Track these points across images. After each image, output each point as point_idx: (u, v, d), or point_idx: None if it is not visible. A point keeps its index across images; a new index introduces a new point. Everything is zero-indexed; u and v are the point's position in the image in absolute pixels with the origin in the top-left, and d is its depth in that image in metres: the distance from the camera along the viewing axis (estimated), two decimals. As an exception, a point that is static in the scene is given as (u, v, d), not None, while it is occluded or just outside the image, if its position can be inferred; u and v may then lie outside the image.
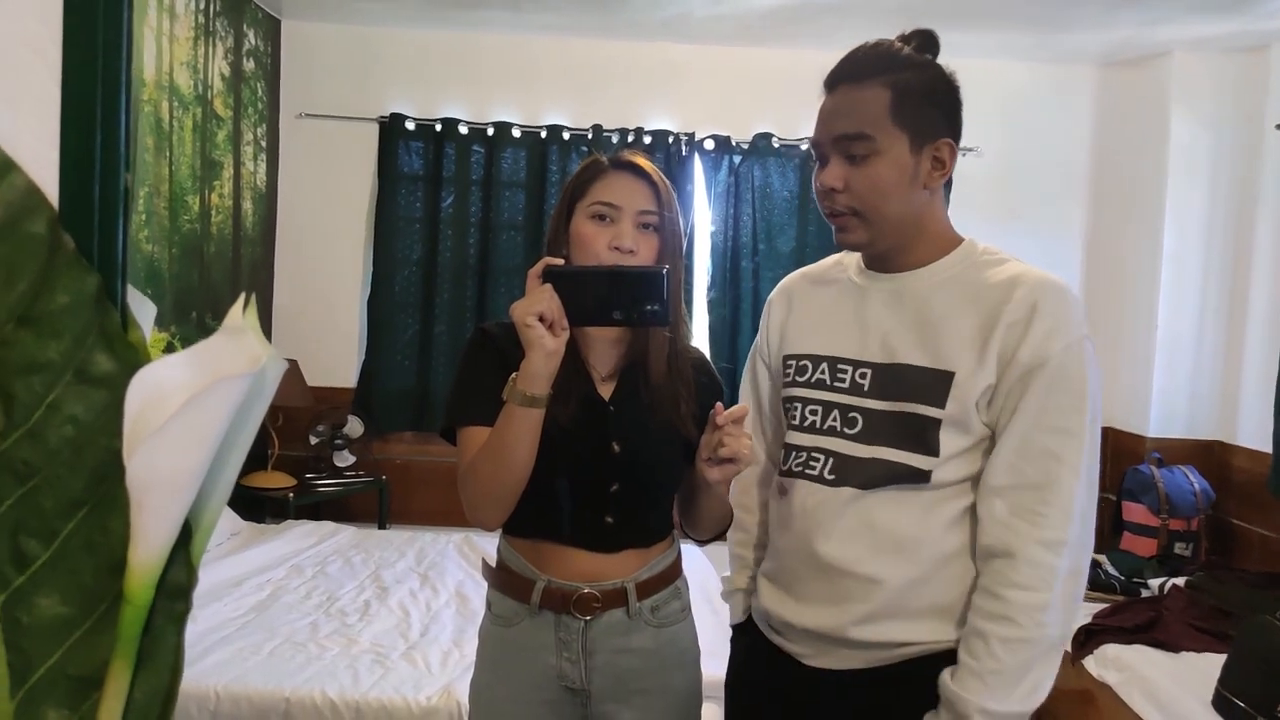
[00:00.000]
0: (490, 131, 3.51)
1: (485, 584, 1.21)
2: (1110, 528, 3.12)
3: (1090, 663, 2.32)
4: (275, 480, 3.22)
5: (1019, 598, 0.96)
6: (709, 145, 3.53)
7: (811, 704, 1.09)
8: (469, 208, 3.53)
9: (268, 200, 3.55)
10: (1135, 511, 3.05)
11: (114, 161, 0.41)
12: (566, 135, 3.50)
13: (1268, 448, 2.85)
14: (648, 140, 3.51)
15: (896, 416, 1.03)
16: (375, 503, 3.46)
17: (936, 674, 1.01)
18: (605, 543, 1.13)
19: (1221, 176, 3.30)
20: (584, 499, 1.13)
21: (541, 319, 0.99)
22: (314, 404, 3.33)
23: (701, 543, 1.26)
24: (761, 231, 3.53)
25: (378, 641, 2.11)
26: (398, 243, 3.52)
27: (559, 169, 3.49)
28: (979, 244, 1.09)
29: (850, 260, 1.15)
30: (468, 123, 3.52)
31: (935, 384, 1.01)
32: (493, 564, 1.20)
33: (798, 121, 3.53)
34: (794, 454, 1.10)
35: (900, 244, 1.06)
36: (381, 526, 3.41)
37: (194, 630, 2.07)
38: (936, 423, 1.01)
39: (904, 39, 1.06)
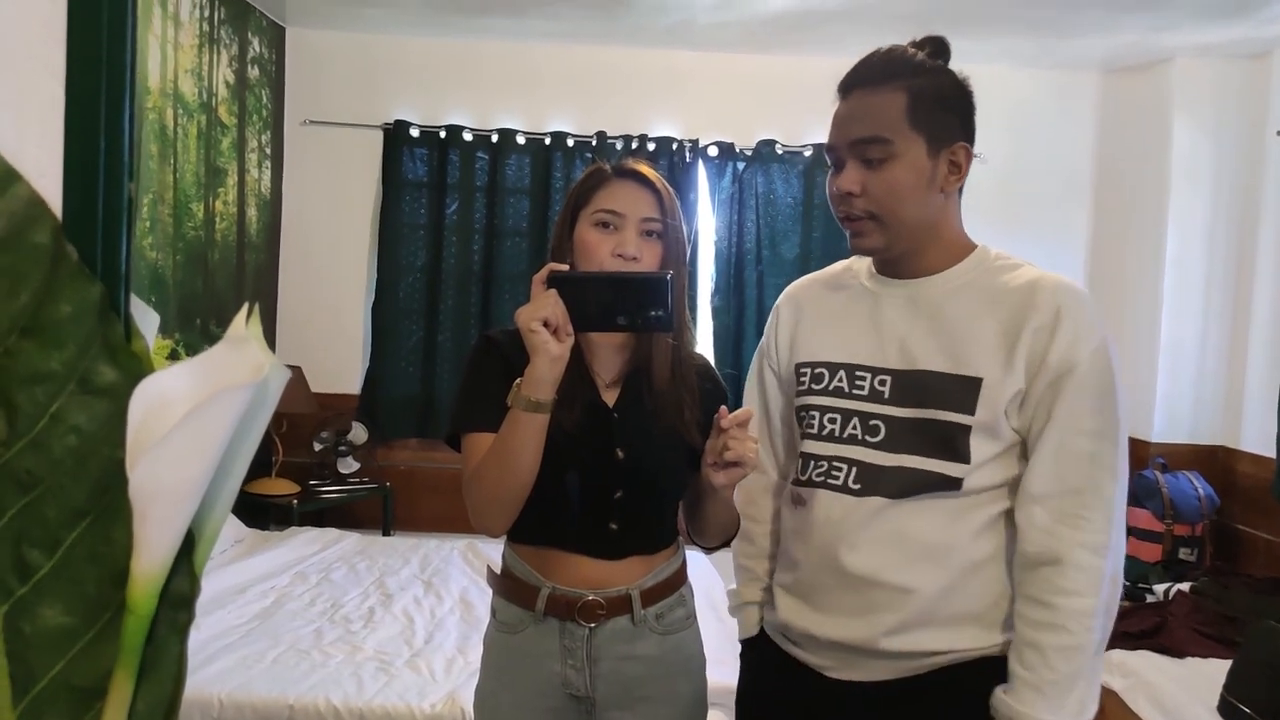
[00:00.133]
0: (494, 138, 3.52)
1: (490, 591, 1.21)
2: (1116, 534, 3.11)
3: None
4: (279, 487, 3.22)
5: (1069, 604, 0.96)
6: (713, 152, 3.53)
7: (835, 717, 1.07)
8: (473, 214, 3.54)
9: (272, 207, 3.56)
10: (1140, 517, 3.03)
11: (117, 171, 0.41)
12: (570, 142, 3.51)
13: (1272, 452, 2.84)
14: (651, 147, 3.51)
15: (921, 423, 1.02)
16: (379, 509, 3.46)
17: (965, 681, 1.00)
18: (610, 549, 1.13)
19: (1224, 182, 3.30)
20: (588, 506, 1.12)
21: (546, 324, 0.99)
22: (318, 410, 3.34)
23: (709, 550, 1.24)
24: (765, 238, 3.53)
25: (382, 649, 2.11)
26: (402, 249, 3.53)
27: (563, 175, 3.50)
28: (991, 249, 1.09)
29: (860, 266, 1.14)
30: (472, 129, 3.53)
31: (962, 390, 1.00)
32: (498, 571, 1.20)
33: (801, 128, 3.54)
34: (813, 463, 1.09)
35: (915, 249, 1.06)
36: (386, 533, 3.41)
37: (198, 638, 2.07)
38: (966, 429, 1.00)
39: (917, 45, 1.06)
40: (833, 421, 1.08)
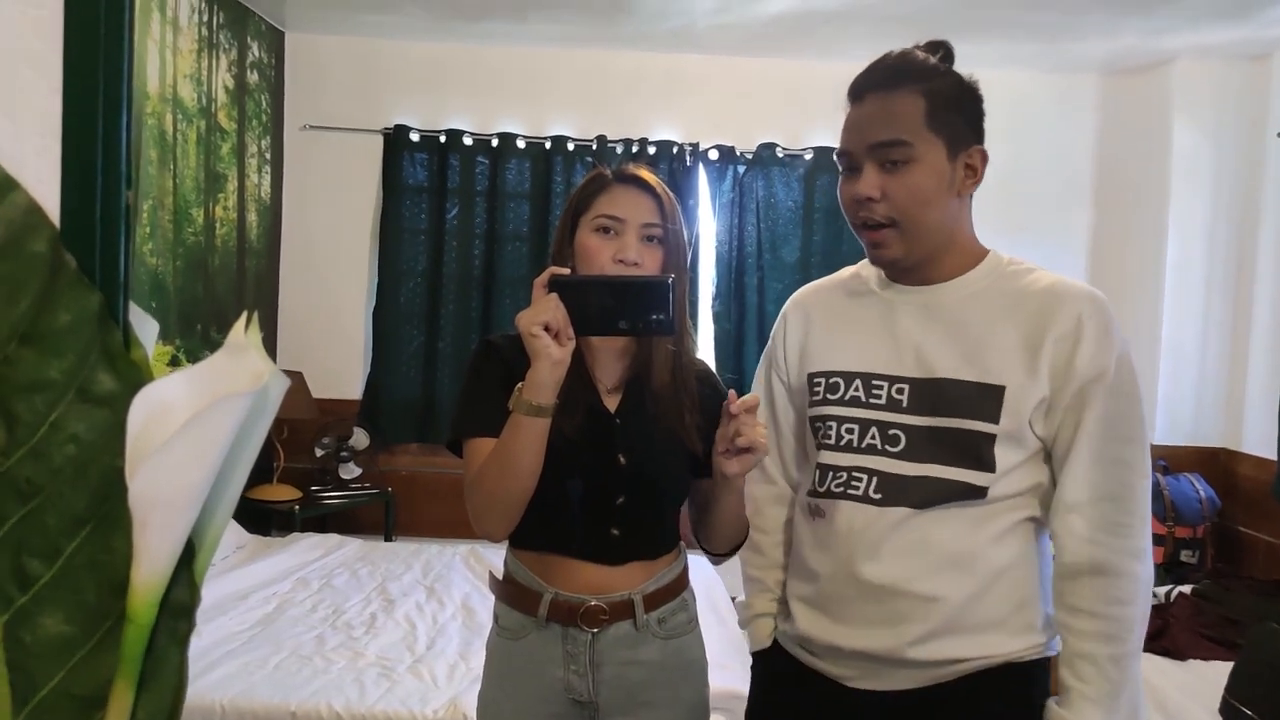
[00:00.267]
0: (494, 143, 3.53)
1: (492, 597, 1.20)
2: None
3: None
4: (281, 493, 3.22)
5: (1121, 613, 0.97)
6: (713, 155, 3.54)
7: None
8: (473, 219, 3.54)
9: (272, 212, 3.56)
10: (1143, 519, 3.03)
11: (115, 179, 0.41)
12: (571, 146, 3.51)
13: (1273, 455, 2.83)
14: (652, 151, 3.52)
15: (943, 432, 1.01)
16: (381, 515, 3.46)
17: (988, 688, 1.00)
18: (611, 555, 1.13)
19: (1225, 184, 3.30)
20: (590, 511, 1.12)
21: (547, 329, 0.99)
22: (319, 416, 3.34)
23: (717, 559, 1.22)
24: (766, 242, 3.53)
25: (384, 654, 2.11)
26: (402, 254, 3.54)
27: (563, 180, 3.50)
28: (1003, 254, 1.08)
29: (869, 272, 1.13)
30: (472, 134, 3.54)
31: (985, 398, 1.00)
32: (500, 577, 1.19)
33: (802, 131, 3.54)
34: (832, 474, 1.07)
35: (932, 255, 1.04)
36: (387, 539, 3.40)
37: (200, 644, 2.07)
38: (990, 438, 0.99)
39: (925, 49, 1.05)
40: (850, 432, 1.06)
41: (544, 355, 0.99)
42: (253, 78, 3.36)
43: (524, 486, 1.04)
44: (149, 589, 0.38)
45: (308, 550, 2.88)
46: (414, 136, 3.53)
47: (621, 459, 1.12)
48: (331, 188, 3.61)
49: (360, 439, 3.42)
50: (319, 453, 3.35)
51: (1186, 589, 2.67)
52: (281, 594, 2.50)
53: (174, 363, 2.85)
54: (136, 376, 0.40)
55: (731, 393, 1.04)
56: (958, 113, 1.02)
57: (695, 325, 1.23)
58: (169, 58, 2.80)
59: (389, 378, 3.53)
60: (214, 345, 0.42)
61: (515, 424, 1.02)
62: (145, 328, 0.43)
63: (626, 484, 1.12)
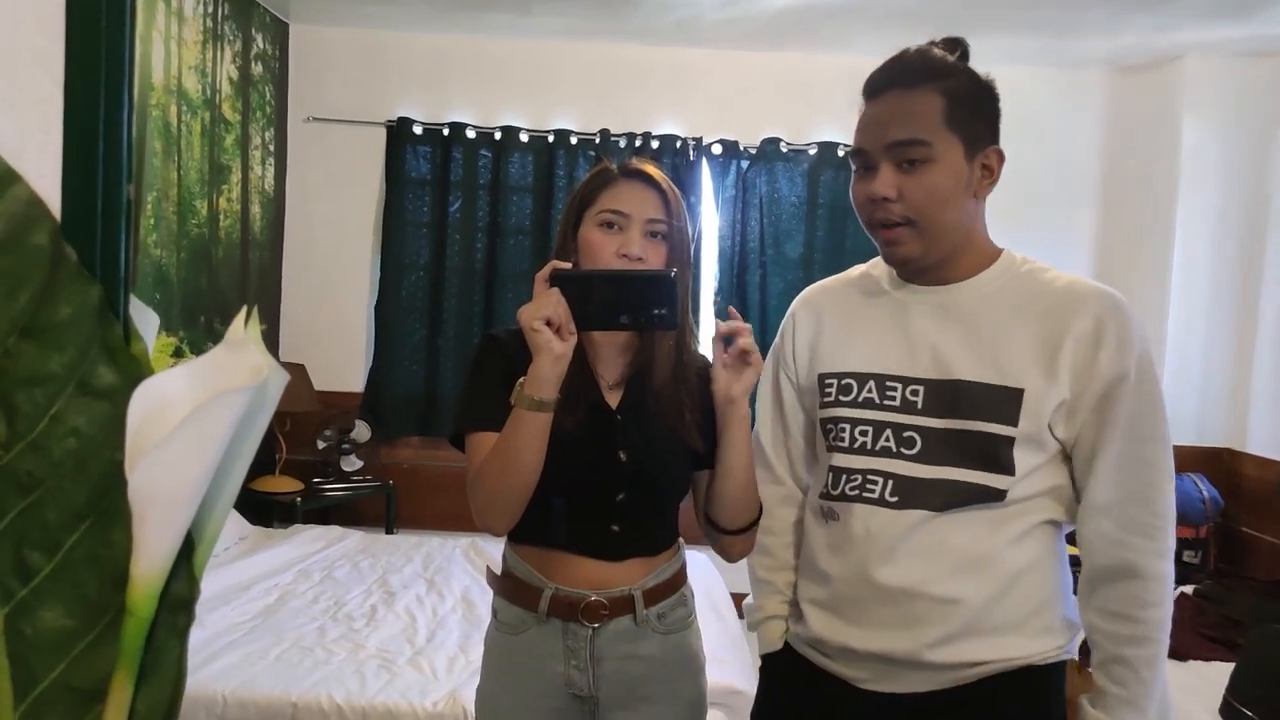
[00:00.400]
0: (498, 136, 3.52)
1: (491, 590, 1.21)
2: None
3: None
4: (283, 485, 3.22)
5: (1153, 615, 0.98)
6: (717, 150, 3.53)
7: None
8: (476, 212, 3.53)
9: (275, 204, 3.56)
10: (1145, 518, 3.02)
11: (116, 173, 0.41)
12: (574, 140, 3.51)
13: (1277, 455, 2.83)
14: (655, 145, 3.51)
15: (959, 435, 1.00)
16: (382, 507, 3.47)
17: (1005, 691, 1.00)
18: (611, 551, 1.13)
19: (1232, 182, 3.29)
20: (590, 507, 1.12)
21: (549, 323, 0.99)
22: (321, 409, 3.34)
23: (734, 536, 1.16)
24: (769, 237, 3.52)
25: (384, 647, 2.11)
26: (405, 247, 3.54)
27: (566, 174, 3.49)
28: (1016, 254, 1.07)
29: (880, 271, 1.12)
30: (475, 127, 3.53)
31: (1003, 401, 0.99)
32: (498, 572, 1.20)
33: (806, 126, 3.53)
34: (845, 477, 1.06)
35: (947, 255, 1.03)
36: (389, 531, 3.41)
37: (202, 634, 2.07)
38: (1009, 440, 0.99)
39: (942, 46, 1.04)
40: (864, 434, 1.05)
41: (545, 350, 0.99)
42: (257, 69, 3.36)
43: (526, 481, 1.04)
44: (148, 582, 0.38)
45: (309, 542, 2.89)
46: (417, 129, 3.52)
47: (622, 455, 1.12)
48: (335, 180, 3.61)
49: (362, 432, 3.42)
50: (321, 445, 3.36)
51: (1189, 589, 2.66)
52: (283, 585, 2.51)
53: (177, 354, 2.85)
54: (136, 370, 0.40)
55: (716, 323, 1.07)
56: (976, 112, 1.01)
57: (697, 321, 1.23)
58: (174, 49, 2.79)
59: (391, 371, 3.53)
60: (217, 337, 0.42)
61: (517, 419, 1.02)
62: (146, 321, 0.43)
63: (627, 480, 1.12)
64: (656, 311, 1.02)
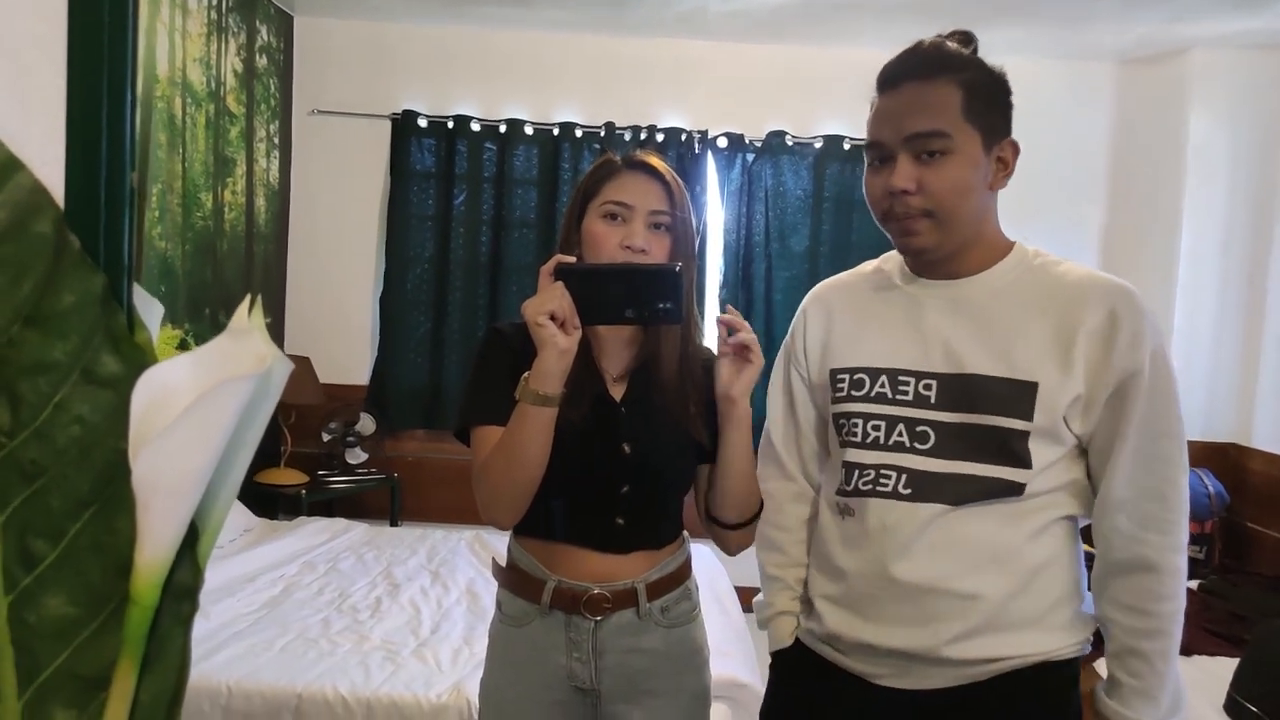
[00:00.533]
0: (503, 129, 3.51)
1: (495, 582, 1.21)
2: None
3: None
4: (288, 477, 3.23)
5: (1167, 608, 0.98)
6: (722, 143, 3.51)
7: None
8: (481, 205, 3.53)
9: (280, 197, 3.56)
10: (1150, 513, 3.02)
11: (120, 160, 0.41)
12: (579, 133, 3.50)
13: (1285, 450, 2.82)
14: (660, 138, 3.50)
15: (973, 429, 1.00)
16: (387, 500, 3.48)
17: (1024, 688, 1.00)
18: (615, 544, 1.13)
19: (1241, 175, 3.27)
20: (595, 500, 1.12)
21: (553, 317, 0.99)
22: (326, 401, 3.35)
23: (733, 531, 1.17)
24: (774, 230, 3.52)
25: (389, 638, 2.12)
26: (410, 240, 3.53)
27: (571, 167, 3.49)
28: (1028, 247, 1.07)
29: (891, 266, 1.12)
30: (480, 120, 3.53)
31: (1017, 395, 0.99)
32: (503, 564, 1.20)
33: (812, 119, 3.52)
34: (859, 472, 1.05)
35: (961, 248, 1.03)
36: (393, 524, 3.42)
37: (207, 625, 2.08)
38: (1023, 434, 0.98)
39: (959, 39, 1.03)
40: (876, 429, 1.05)
41: (550, 344, 0.99)
42: (261, 62, 3.36)
43: (531, 475, 1.04)
44: (152, 571, 0.38)
45: (314, 534, 2.90)
46: (422, 122, 3.52)
47: (626, 448, 1.12)
48: (339, 173, 3.61)
49: (366, 424, 3.43)
50: (325, 438, 3.37)
51: (1194, 584, 2.66)
52: (288, 577, 2.52)
53: (182, 346, 2.86)
54: (140, 358, 0.40)
55: (716, 317, 1.07)
56: (992, 104, 1.00)
57: (702, 314, 1.22)
58: (178, 41, 2.79)
59: (395, 364, 3.53)
60: (222, 330, 0.42)
61: (522, 413, 1.02)
62: (150, 310, 0.43)
63: (631, 473, 1.12)
64: (661, 305, 1.02)
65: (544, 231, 3.51)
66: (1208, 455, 3.24)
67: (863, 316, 1.11)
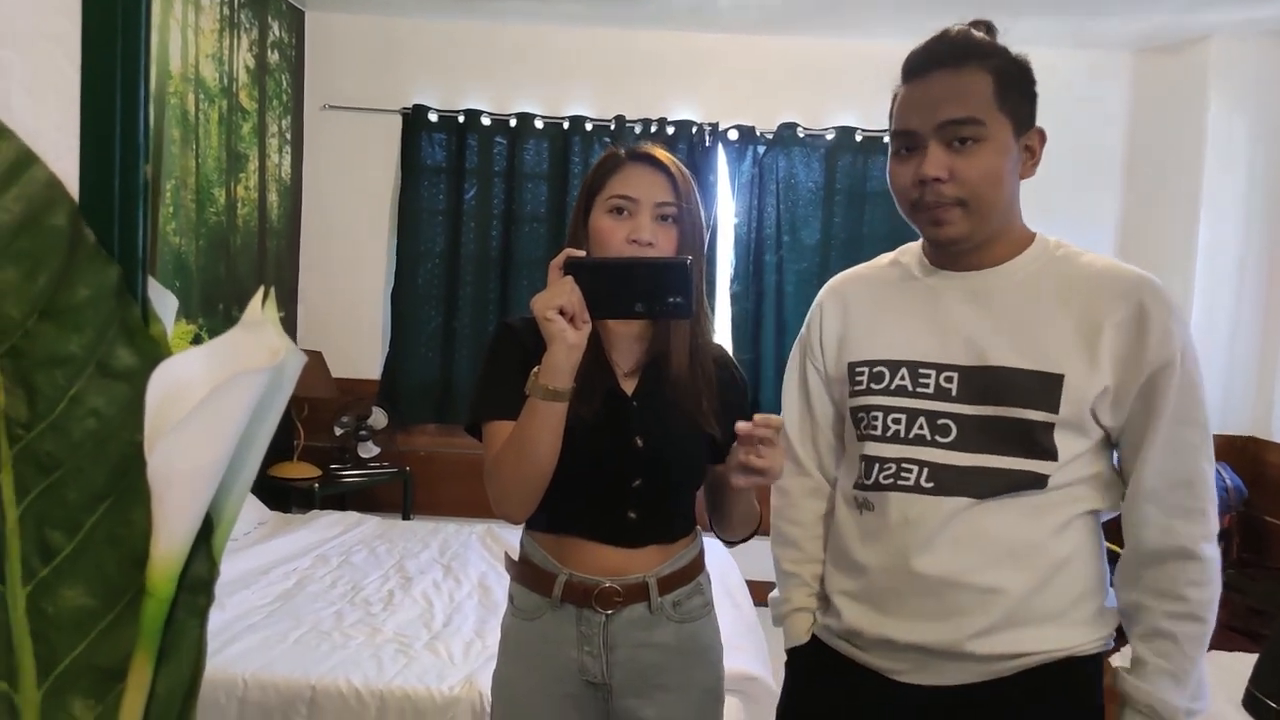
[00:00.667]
0: (513, 123, 3.51)
1: (508, 576, 1.21)
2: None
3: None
4: (301, 470, 3.25)
5: (1200, 595, 0.98)
6: (733, 135, 3.50)
7: None
8: (491, 199, 3.53)
9: (292, 192, 3.58)
10: (1166, 507, 2.99)
11: (133, 153, 0.41)
12: (589, 126, 3.49)
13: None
14: (671, 131, 3.49)
15: (996, 421, 0.99)
16: (399, 493, 3.49)
17: (1047, 684, 0.99)
18: (627, 538, 1.13)
19: (1259, 165, 3.23)
20: (607, 494, 1.12)
21: (562, 312, 0.99)
22: (338, 395, 3.37)
23: (731, 543, 1.21)
24: (786, 223, 3.50)
25: (401, 631, 2.13)
26: (421, 234, 3.54)
27: (581, 160, 3.48)
28: (1050, 238, 1.06)
29: (909, 258, 1.11)
30: (490, 114, 3.53)
31: (1043, 387, 0.98)
32: (515, 557, 1.20)
33: (823, 111, 3.50)
34: (879, 466, 1.04)
35: (990, 239, 1.02)
36: (405, 517, 3.44)
37: (222, 618, 2.10)
38: (1049, 426, 0.98)
39: (983, 29, 1.02)
40: (897, 422, 1.03)
41: (559, 339, 0.99)
42: (273, 57, 3.37)
43: (542, 470, 1.04)
44: (168, 563, 0.38)
45: (327, 527, 2.92)
46: (432, 116, 3.52)
47: (638, 442, 1.12)
48: (350, 168, 3.62)
49: (379, 418, 3.44)
50: (338, 431, 3.38)
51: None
52: (301, 570, 2.54)
53: (196, 341, 2.88)
54: (155, 351, 0.40)
55: (740, 424, 0.97)
56: (1021, 93, 1.00)
57: (713, 307, 1.21)
58: (191, 37, 2.80)
59: (407, 358, 3.55)
60: (235, 324, 0.42)
61: (532, 408, 1.02)
62: (164, 302, 0.43)
63: (643, 467, 1.12)
64: (671, 299, 1.01)
65: (554, 225, 3.51)
66: (1225, 449, 3.21)
67: (881, 309, 1.10)
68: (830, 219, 3.50)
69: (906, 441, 1.03)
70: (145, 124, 0.42)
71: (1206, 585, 0.98)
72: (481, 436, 1.12)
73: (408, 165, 3.53)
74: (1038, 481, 0.98)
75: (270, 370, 0.37)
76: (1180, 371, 0.97)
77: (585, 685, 1.13)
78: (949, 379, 1.02)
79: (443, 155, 3.55)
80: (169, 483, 0.37)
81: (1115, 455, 1.05)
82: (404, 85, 3.57)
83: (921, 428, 1.02)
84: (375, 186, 3.62)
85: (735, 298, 3.51)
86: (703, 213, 1.14)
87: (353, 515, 3.08)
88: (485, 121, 3.52)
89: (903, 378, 1.04)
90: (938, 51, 1.00)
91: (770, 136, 3.49)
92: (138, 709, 0.39)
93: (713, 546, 2.33)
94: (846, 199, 3.49)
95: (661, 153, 1.13)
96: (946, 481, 1.00)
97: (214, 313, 3.03)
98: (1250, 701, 1.94)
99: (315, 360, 3.26)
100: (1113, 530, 1.06)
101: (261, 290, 0.39)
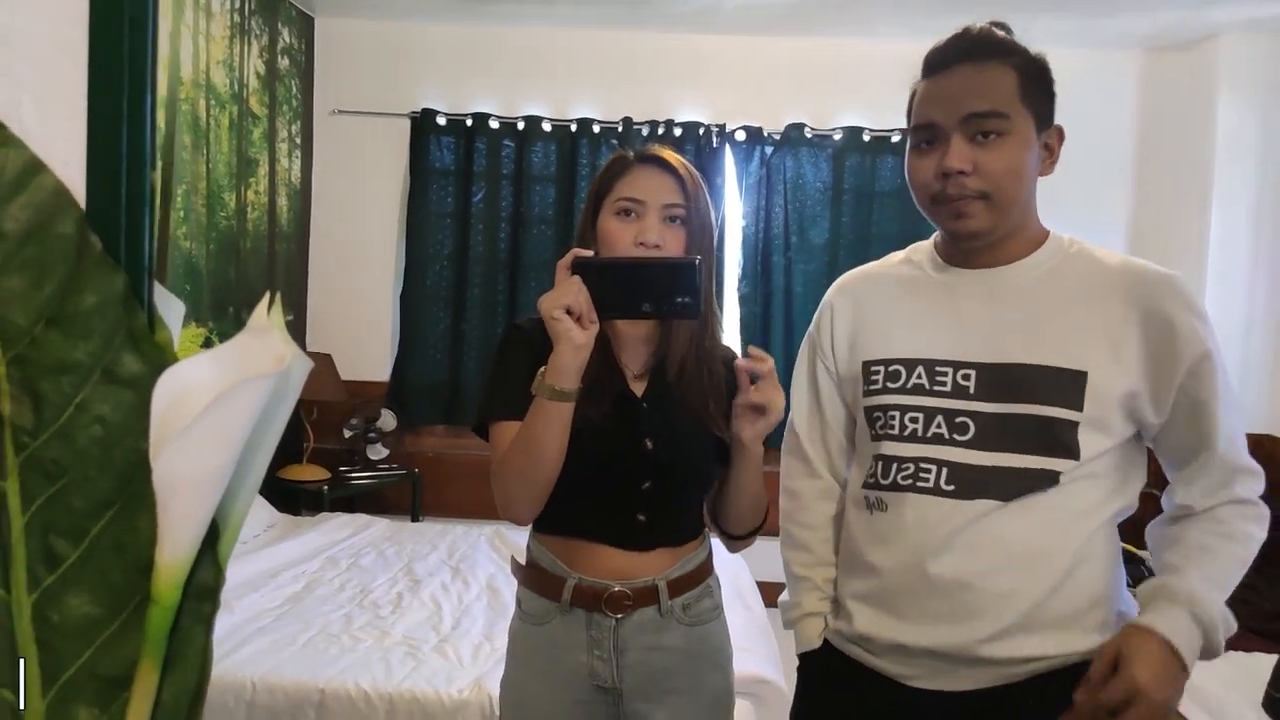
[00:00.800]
0: (520, 126, 3.52)
1: (515, 580, 1.21)
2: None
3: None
4: (310, 473, 3.26)
5: (1246, 527, 0.97)
6: (740, 136, 3.49)
7: None
8: (500, 202, 3.54)
9: (302, 196, 3.59)
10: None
11: (140, 161, 0.41)
12: (597, 129, 3.49)
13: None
14: (678, 132, 3.49)
15: (1016, 419, 0.98)
16: (408, 496, 3.50)
17: (1060, 690, 0.96)
18: (637, 541, 1.12)
19: (1271, 161, 3.20)
20: (616, 497, 1.12)
21: (570, 312, 0.98)
22: (347, 398, 3.38)
23: (735, 542, 1.20)
24: (794, 224, 3.49)
25: (410, 634, 2.13)
26: (429, 237, 3.55)
27: (589, 163, 3.48)
28: (1064, 235, 1.05)
29: (921, 256, 1.10)
30: (498, 117, 3.53)
31: (1066, 384, 0.97)
32: (522, 562, 1.20)
33: (830, 111, 3.49)
34: (896, 466, 1.03)
35: (1007, 234, 1.01)
36: (414, 519, 3.44)
37: (231, 621, 2.11)
38: (1072, 424, 0.97)
39: (1000, 28, 1.03)
40: (914, 421, 1.02)
41: (566, 339, 0.98)
42: (283, 63, 3.38)
43: (549, 471, 1.04)
44: (173, 570, 0.38)
45: (336, 530, 2.92)
46: (441, 120, 3.53)
47: (649, 444, 1.12)
48: (360, 172, 3.63)
49: (388, 420, 3.45)
50: (347, 434, 3.39)
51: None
52: (310, 572, 2.54)
53: (206, 345, 2.89)
54: (161, 358, 0.40)
55: (737, 361, 1.04)
56: (1041, 90, 1.00)
57: (721, 308, 1.21)
58: (201, 44, 2.82)
59: (416, 360, 3.55)
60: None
61: (539, 409, 1.02)
62: (171, 308, 0.43)
63: (653, 469, 1.11)
64: (680, 300, 1.01)
65: (562, 228, 3.51)
66: (1238, 449, 3.18)
67: (894, 307, 1.09)
68: (838, 219, 3.49)
69: (924, 440, 1.02)
70: (152, 132, 0.42)
71: (1254, 521, 0.98)
72: (489, 437, 1.12)
73: (416, 169, 3.54)
74: (1056, 480, 0.97)
75: (276, 376, 0.37)
76: (1211, 362, 0.98)
77: (595, 690, 1.13)
78: (966, 376, 1.01)
79: (451, 158, 3.56)
80: (174, 489, 0.37)
81: (1148, 443, 1.04)
82: (412, 89, 3.58)
83: (939, 426, 1.01)
84: (384, 190, 3.63)
85: (743, 299, 3.50)
86: (711, 213, 1.14)
87: (361, 518, 3.09)
88: (493, 125, 3.52)
89: (919, 376, 1.03)
90: (959, 46, 1.00)
91: (778, 137, 3.49)
92: (143, 717, 0.39)
93: (722, 549, 2.32)
94: (854, 199, 3.48)
95: (669, 154, 1.12)
96: (967, 484, 0.99)
97: (224, 316, 3.04)
98: (1270, 704, 1.92)
99: (324, 363, 3.27)
100: (1127, 531, 1.05)
101: (267, 296, 0.39)
